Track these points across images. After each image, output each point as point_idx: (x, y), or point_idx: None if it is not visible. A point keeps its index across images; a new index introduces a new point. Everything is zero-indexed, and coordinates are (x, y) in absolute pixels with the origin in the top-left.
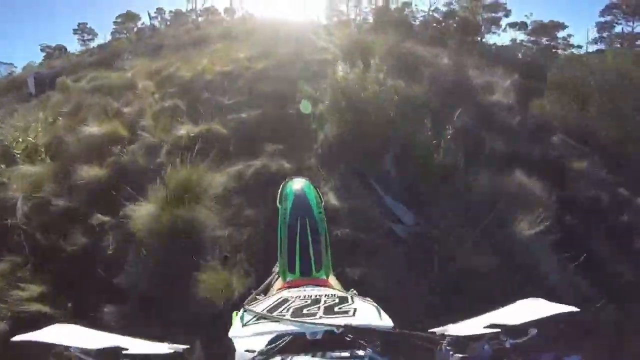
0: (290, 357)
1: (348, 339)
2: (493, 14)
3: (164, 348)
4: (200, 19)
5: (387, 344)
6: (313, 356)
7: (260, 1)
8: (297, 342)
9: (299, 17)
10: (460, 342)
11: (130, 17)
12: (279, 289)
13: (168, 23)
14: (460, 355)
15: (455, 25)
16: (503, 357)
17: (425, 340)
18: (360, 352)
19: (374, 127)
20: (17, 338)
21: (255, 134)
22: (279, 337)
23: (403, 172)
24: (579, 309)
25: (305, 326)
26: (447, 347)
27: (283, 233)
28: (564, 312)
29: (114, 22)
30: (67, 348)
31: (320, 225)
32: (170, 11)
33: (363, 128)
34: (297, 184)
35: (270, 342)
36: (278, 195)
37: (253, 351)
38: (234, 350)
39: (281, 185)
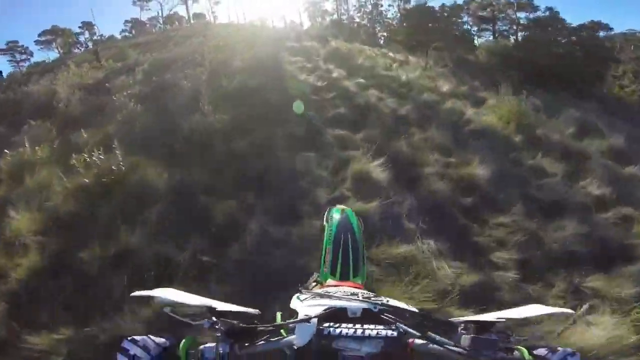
0: (337, 324)
1: (385, 317)
2: None
3: (242, 309)
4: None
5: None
6: (354, 326)
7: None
8: (341, 318)
9: (279, 19)
10: (473, 328)
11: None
12: (318, 288)
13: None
14: (471, 336)
15: None
16: (507, 346)
17: (445, 324)
18: (394, 328)
19: None
20: (135, 294)
21: None
22: (329, 308)
23: None
24: (573, 311)
25: (350, 302)
26: (464, 331)
27: (328, 245)
28: (561, 314)
29: (36, 40)
30: (166, 306)
31: (360, 244)
32: (127, 21)
33: None
34: (342, 208)
35: (323, 311)
36: (325, 217)
37: (309, 315)
38: (296, 315)
39: (327, 209)
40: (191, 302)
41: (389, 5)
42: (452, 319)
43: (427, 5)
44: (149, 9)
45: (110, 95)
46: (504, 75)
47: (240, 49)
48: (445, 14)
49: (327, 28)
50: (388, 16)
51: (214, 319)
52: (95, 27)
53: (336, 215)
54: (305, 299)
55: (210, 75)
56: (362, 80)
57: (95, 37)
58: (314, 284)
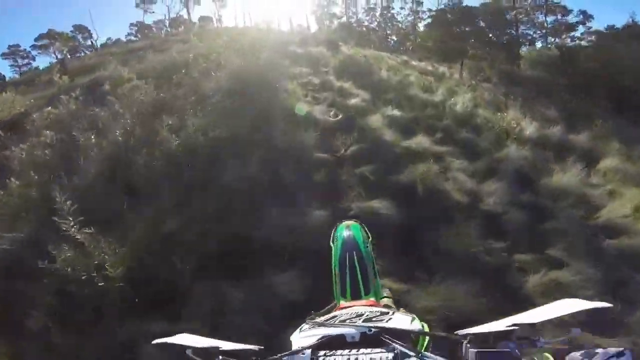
0: (332, 352)
1: (383, 339)
2: None
3: (244, 347)
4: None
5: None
6: (349, 352)
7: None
8: (339, 343)
9: (286, 23)
10: (482, 340)
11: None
12: (334, 310)
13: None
14: (477, 350)
15: None
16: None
17: (447, 339)
18: (390, 349)
19: None
20: (156, 342)
21: None
22: (323, 337)
23: None
24: (611, 305)
25: (345, 329)
26: (468, 345)
27: (336, 266)
28: (598, 308)
29: (32, 45)
30: (185, 349)
31: (367, 258)
32: (132, 24)
33: None
34: (346, 225)
35: (317, 341)
36: (331, 237)
37: (303, 347)
38: (290, 348)
39: (334, 228)
40: (202, 344)
41: (401, 8)
42: (457, 332)
43: (463, 5)
44: (153, 12)
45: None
46: (573, 98)
47: (229, 59)
48: (490, 16)
49: (335, 32)
50: (399, 19)
51: (220, 357)
52: (91, 30)
53: (341, 234)
54: (305, 329)
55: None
56: (396, 113)
57: (96, 40)
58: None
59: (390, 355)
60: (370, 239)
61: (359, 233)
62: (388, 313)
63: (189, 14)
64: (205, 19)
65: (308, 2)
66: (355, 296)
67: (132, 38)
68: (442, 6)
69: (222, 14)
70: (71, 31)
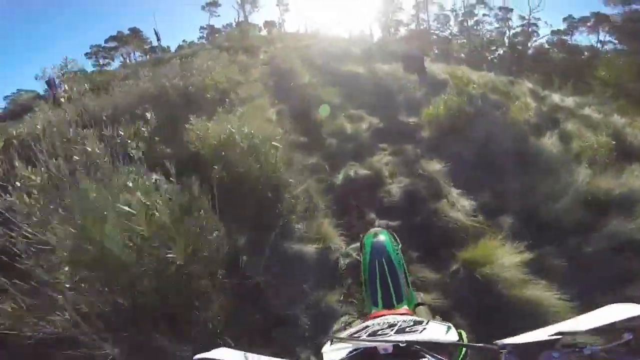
0: None
1: (416, 351)
2: None
3: None
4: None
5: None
6: None
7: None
8: (371, 356)
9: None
10: (524, 351)
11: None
12: (365, 319)
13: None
14: None
15: None
16: None
17: (485, 350)
18: None
19: None
20: (197, 357)
21: None
22: (354, 350)
23: None
24: None
25: (376, 342)
26: (508, 356)
27: (365, 274)
28: None
29: (102, 46)
30: None
31: (397, 264)
32: (203, 27)
33: None
34: (374, 233)
35: (348, 354)
36: (359, 245)
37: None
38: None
39: (361, 237)
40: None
41: (484, 15)
42: (496, 342)
43: None
44: (218, 15)
45: None
46: None
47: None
48: None
49: (403, 41)
50: (485, 27)
51: None
52: (142, 33)
53: (369, 242)
54: (336, 342)
55: None
56: None
57: (159, 43)
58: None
59: None
60: (399, 245)
61: (388, 240)
62: (422, 322)
63: (239, 17)
64: (269, 23)
65: (372, 7)
66: (388, 305)
67: (204, 41)
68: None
69: (284, 19)
70: (128, 34)
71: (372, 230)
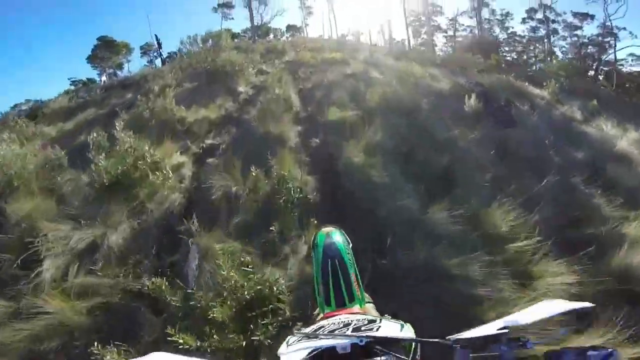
0: None
1: (373, 350)
2: None
3: None
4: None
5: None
6: None
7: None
8: (330, 356)
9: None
10: (475, 345)
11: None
12: (319, 320)
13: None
14: (473, 355)
15: None
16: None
17: (439, 345)
18: (382, 359)
19: None
20: None
21: None
22: (314, 351)
23: None
24: (594, 304)
25: (335, 340)
26: (462, 350)
27: (317, 274)
28: (581, 308)
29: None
30: None
31: (349, 264)
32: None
33: None
34: (326, 232)
35: (307, 354)
36: (311, 245)
37: None
38: None
39: (313, 236)
40: None
41: (554, 18)
42: (449, 337)
43: None
44: (232, 18)
45: None
46: None
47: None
48: None
49: (455, 51)
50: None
51: None
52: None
53: (321, 241)
54: (293, 342)
55: None
56: None
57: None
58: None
59: None
60: (350, 245)
61: (340, 240)
62: (376, 321)
63: (252, 20)
64: (292, 27)
65: (401, 9)
66: (340, 305)
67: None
68: None
69: (308, 23)
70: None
71: (325, 229)
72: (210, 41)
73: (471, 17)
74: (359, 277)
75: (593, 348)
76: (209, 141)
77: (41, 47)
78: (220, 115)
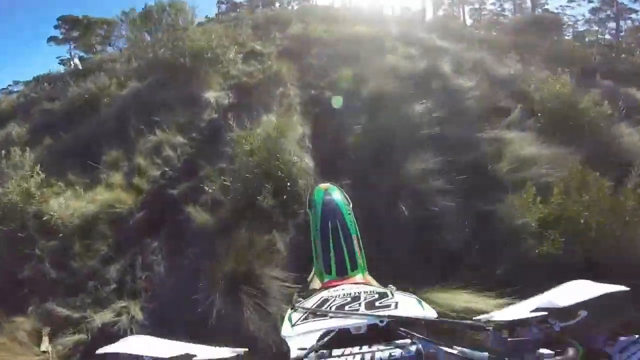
0: (341, 352)
1: (393, 330)
2: None
3: (227, 352)
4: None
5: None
6: (360, 349)
7: None
8: (342, 338)
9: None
10: (507, 327)
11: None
12: (318, 290)
13: None
14: (508, 338)
15: None
16: (553, 341)
17: (470, 327)
18: (406, 341)
19: None
20: (100, 351)
21: None
22: (326, 333)
23: None
24: (628, 288)
25: (350, 321)
26: (493, 332)
27: (316, 237)
28: (613, 292)
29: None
30: (140, 358)
31: (351, 227)
32: (221, 1)
33: None
34: (324, 188)
35: (319, 339)
36: (307, 202)
37: (304, 349)
38: (288, 348)
39: (309, 192)
40: (169, 351)
41: None
42: (478, 318)
43: None
44: None
45: None
46: None
47: None
48: None
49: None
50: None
51: None
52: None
53: (320, 198)
54: (297, 322)
55: None
56: None
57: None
58: (313, 280)
59: (413, 348)
60: (350, 205)
61: (340, 197)
62: (387, 294)
63: None
64: None
65: None
66: (341, 273)
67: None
68: None
69: None
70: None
71: (322, 185)
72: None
73: None
74: (360, 241)
75: (621, 334)
76: None
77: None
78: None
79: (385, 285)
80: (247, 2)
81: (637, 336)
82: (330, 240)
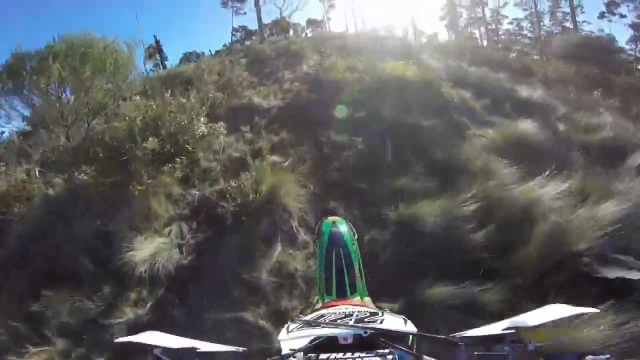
0: (326, 356)
1: (376, 342)
2: None
3: (227, 348)
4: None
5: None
6: (344, 355)
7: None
8: (330, 345)
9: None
10: (479, 344)
11: None
12: (318, 309)
13: None
14: (478, 353)
15: None
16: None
17: (444, 342)
18: (386, 351)
19: None
20: (119, 340)
21: None
22: (316, 339)
23: None
24: (598, 310)
25: (338, 330)
26: (466, 348)
27: (320, 263)
28: (585, 313)
29: None
30: (153, 348)
31: (354, 256)
32: (235, 29)
33: None
34: (332, 221)
35: (309, 343)
36: (316, 232)
37: (294, 349)
38: (281, 351)
39: (318, 223)
40: (176, 344)
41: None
42: (454, 335)
43: None
44: (244, 13)
45: None
46: None
47: None
48: None
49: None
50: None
51: None
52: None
53: (327, 230)
54: (293, 329)
55: None
56: None
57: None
58: (318, 305)
59: (390, 357)
60: (356, 236)
61: (346, 229)
62: (378, 314)
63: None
64: (312, 22)
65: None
66: (341, 295)
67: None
68: None
69: (330, 17)
70: None
71: (330, 218)
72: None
73: (525, 10)
74: (362, 269)
75: (592, 353)
76: None
77: None
78: None
79: (379, 309)
80: (260, 30)
81: (607, 355)
82: (334, 266)
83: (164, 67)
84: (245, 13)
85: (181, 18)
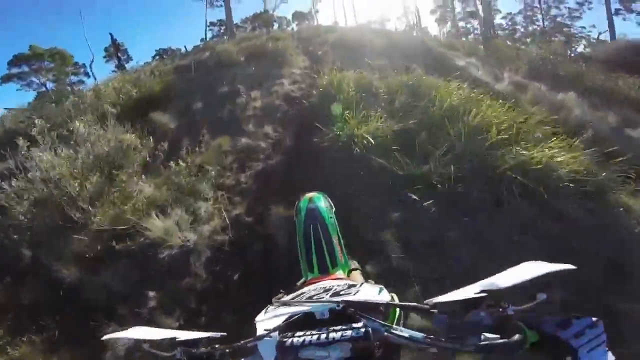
0: (302, 333)
1: (353, 315)
2: None
3: (206, 335)
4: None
5: None
6: (319, 331)
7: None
8: (309, 322)
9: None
10: (453, 310)
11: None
12: (300, 287)
13: None
14: (449, 321)
15: None
16: (500, 324)
17: (416, 310)
18: (359, 324)
19: None
20: (106, 337)
21: None
22: (291, 317)
23: None
24: (576, 267)
25: (312, 306)
26: (439, 316)
27: (300, 240)
28: (562, 270)
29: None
30: (141, 343)
31: (332, 229)
32: (212, 23)
33: None
34: (309, 197)
35: (284, 322)
36: (294, 211)
37: (268, 329)
38: (256, 332)
39: (296, 202)
40: (158, 336)
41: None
42: (426, 302)
43: None
44: (220, 5)
45: None
46: None
47: None
48: None
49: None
50: None
51: (178, 349)
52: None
53: (304, 206)
54: (269, 310)
55: None
56: None
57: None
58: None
59: (362, 330)
60: (333, 209)
61: (323, 205)
62: (355, 285)
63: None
64: (298, 15)
65: None
66: (323, 270)
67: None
68: None
69: (318, 10)
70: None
71: (308, 194)
72: None
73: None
74: (342, 242)
75: (576, 317)
76: None
77: None
78: None
79: (367, 280)
80: (242, 22)
81: (593, 319)
82: (312, 243)
83: (123, 69)
84: (222, 5)
85: (157, 12)
